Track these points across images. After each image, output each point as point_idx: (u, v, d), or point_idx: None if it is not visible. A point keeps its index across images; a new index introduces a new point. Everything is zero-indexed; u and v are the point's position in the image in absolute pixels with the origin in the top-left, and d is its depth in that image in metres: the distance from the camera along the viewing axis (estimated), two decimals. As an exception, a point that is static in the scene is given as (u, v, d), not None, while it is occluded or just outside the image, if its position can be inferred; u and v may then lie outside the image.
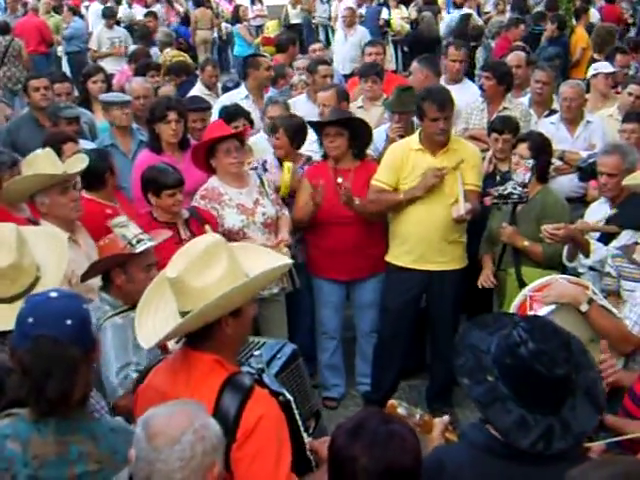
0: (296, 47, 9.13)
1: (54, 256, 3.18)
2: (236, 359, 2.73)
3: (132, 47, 10.78)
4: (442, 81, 7.05)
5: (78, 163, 4.50)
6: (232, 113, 5.72)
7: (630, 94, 6.39)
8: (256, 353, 2.95)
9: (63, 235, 3.60)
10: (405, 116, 5.84)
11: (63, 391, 2.38)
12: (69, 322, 2.43)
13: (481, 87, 7.03)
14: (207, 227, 4.63)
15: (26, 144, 5.37)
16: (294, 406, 2.72)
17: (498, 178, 5.48)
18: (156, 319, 2.67)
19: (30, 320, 2.44)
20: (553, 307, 3.54)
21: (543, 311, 3.53)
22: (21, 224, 3.74)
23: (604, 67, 7.23)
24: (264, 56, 7.80)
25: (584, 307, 3.50)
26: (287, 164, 5.33)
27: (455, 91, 6.50)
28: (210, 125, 5.42)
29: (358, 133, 5.28)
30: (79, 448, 2.42)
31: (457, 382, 5.06)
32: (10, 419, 2.44)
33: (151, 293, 2.77)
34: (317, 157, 5.58)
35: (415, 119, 5.69)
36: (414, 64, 7.08)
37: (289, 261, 2.85)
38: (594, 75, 7.13)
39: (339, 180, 5.14)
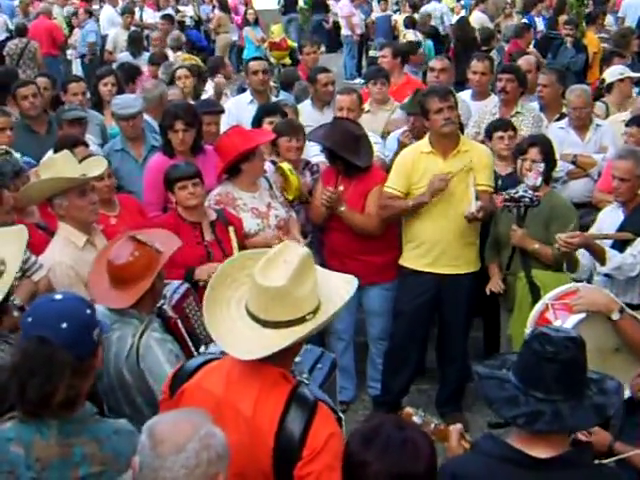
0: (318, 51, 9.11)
1: (12, 248, 3.20)
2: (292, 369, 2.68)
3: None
4: (469, 95, 6.91)
5: (98, 166, 4.50)
6: (271, 109, 5.87)
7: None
8: (297, 360, 2.87)
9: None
10: (420, 119, 5.78)
11: (43, 392, 2.38)
12: (64, 325, 2.44)
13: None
14: (230, 229, 4.65)
15: (21, 151, 5.28)
16: (343, 423, 2.69)
17: (500, 182, 5.38)
18: (235, 326, 2.54)
19: (29, 319, 2.50)
20: (583, 316, 3.43)
21: (571, 320, 3.43)
22: (29, 230, 3.73)
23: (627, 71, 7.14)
24: (260, 59, 7.66)
25: (616, 315, 3.40)
26: (286, 165, 5.27)
27: (480, 107, 6.46)
28: (234, 130, 5.18)
29: (337, 156, 5.24)
30: (83, 450, 2.42)
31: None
32: (13, 422, 2.44)
33: (219, 295, 2.63)
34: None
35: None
36: None
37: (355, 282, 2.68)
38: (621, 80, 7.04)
39: (340, 188, 5.18)
